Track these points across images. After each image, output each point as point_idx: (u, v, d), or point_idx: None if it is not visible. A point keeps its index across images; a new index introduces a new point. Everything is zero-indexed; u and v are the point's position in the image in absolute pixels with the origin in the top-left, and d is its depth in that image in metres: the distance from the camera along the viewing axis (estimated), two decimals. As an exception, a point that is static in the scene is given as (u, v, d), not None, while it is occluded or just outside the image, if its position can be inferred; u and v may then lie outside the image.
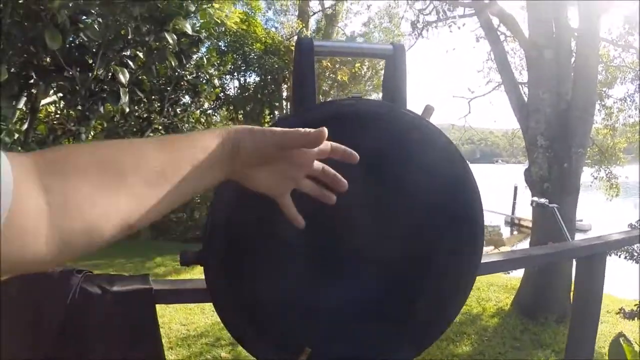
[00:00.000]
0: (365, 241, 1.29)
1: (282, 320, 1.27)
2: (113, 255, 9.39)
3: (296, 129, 0.77)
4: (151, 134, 3.89)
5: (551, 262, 4.78)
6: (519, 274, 7.79)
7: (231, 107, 15.42)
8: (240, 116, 15.65)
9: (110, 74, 2.37)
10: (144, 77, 2.64)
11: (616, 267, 6.04)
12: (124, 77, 2.21)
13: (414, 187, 1.22)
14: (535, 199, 3.59)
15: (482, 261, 1.73)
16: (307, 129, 0.77)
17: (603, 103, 14.04)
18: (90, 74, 2.25)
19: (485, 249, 7.90)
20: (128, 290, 1.43)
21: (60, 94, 2.51)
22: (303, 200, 1.04)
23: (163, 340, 4.56)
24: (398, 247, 1.28)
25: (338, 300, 1.31)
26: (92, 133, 2.82)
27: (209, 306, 6.40)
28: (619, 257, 6.25)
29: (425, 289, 1.30)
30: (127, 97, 2.28)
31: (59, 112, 3.13)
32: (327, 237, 1.28)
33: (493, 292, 7.41)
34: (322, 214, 1.16)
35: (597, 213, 19.26)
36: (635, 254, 6.15)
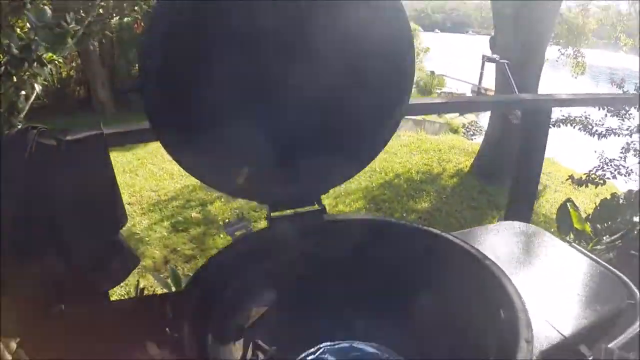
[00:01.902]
0: (304, 73, 1.37)
1: (218, 142, 1.38)
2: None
3: None
4: None
5: (495, 109, 4.90)
6: (480, 139, 8.04)
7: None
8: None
9: None
10: None
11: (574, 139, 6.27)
12: None
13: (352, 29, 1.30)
14: (487, 54, 3.62)
15: (428, 102, 1.86)
16: None
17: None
18: None
19: (451, 115, 8.02)
20: (81, 137, 1.51)
21: None
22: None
23: (135, 208, 4.76)
24: (335, 77, 1.37)
25: (274, 127, 1.42)
26: None
27: (177, 171, 6.54)
28: (574, 128, 6.43)
29: (359, 113, 1.42)
30: None
31: None
32: (262, 65, 1.36)
33: (454, 154, 7.67)
34: (261, 46, 1.24)
35: (562, 90, 19.37)
36: (590, 126, 6.33)
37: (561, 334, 1.24)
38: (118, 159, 7.22)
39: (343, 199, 5.98)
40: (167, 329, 1.08)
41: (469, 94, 12.84)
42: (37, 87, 2.36)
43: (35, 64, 2.14)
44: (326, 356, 1.44)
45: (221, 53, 1.31)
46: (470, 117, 11.25)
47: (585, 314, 1.32)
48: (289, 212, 1.53)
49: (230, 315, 1.31)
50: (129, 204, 5.89)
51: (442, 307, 1.34)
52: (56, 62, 2.28)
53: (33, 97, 2.37)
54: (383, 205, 5.93)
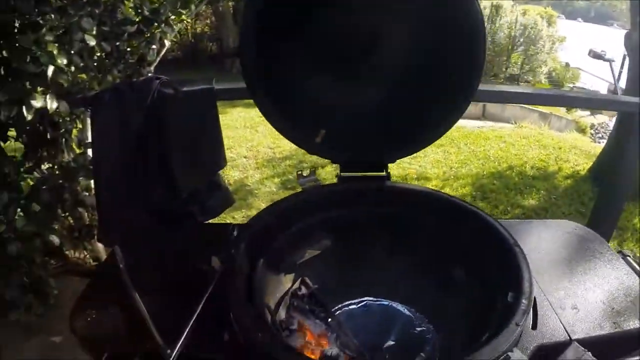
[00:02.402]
0: (382, 51, 1.55)
1: (302, 102, 1.60)
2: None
3: None
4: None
5: (587, 106, 4.57)
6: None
7: None
8: None
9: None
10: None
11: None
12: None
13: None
14: (593, 48, 3.40)
15: (515, 90, 1.91)
16: None
17: None
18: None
19: (580, 113, 7.40)
20: (195, 89, 1.78)
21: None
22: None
23: (251, 161, 5.17)
24: (411, 56, 1.53)
25: (355, 95, 1.63)
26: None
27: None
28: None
29: (431, 94, 1.56)
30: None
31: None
32: (351, 44, 1.55)
33: (574, 154, 7.28)
34: (349, 19, 1.46)
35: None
36: None
37: (568, 335, 1.24)
38: (242, 114, 7.70)
39: (451, 183, 5.96)
40: (230, 249, 1.31)
41: (604, 92, 11.86)
42: (167, 43, 2.72)
43: (163, 24, 2.48)
44: (367, 310, 1.61)
45: (314, 21, 1.50)
46: (601, 117, 10.51)
47: (603, 325, 1.29)
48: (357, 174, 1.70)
49: (287, 250, 1.53)
50: (245, 157, 6.32)
51: (471, 282, 1.45)
52: (185, 21, 2.60)
53: (163, 51, 2.73)
54: (490, 195, 5.82)
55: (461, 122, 7.73)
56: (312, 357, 1.28)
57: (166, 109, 1.75)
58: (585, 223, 2.55)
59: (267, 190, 5.65)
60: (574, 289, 1.42)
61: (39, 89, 1.92)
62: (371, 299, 1.64)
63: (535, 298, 1.27)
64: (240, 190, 5.48)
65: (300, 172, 1.68)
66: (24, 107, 1.87)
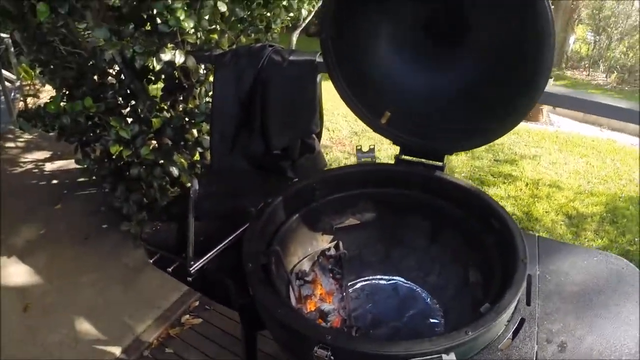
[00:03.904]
0: (461, 41, 1.60)
1: (373, 83, 1.72)
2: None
3: None
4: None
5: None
6: None
7: None
8: None
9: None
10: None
11: None
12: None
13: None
14: None
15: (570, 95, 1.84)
16: None
17: None
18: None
19: None
20: (298, 59, 1.99)
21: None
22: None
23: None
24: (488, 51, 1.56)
25: (425, 83, 1.70)
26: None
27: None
28: None
29: (496, 94, 1.58)
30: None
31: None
32: (430, 29, 1.62)
33: None
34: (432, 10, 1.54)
35: None
36: None
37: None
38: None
39: (583, 197, 5.52)
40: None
41: None
42: (304, 12, 2.97)
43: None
44: (394, 289, 1.71)
45: (388, 10, 1.61)
46: None
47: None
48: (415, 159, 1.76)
49: (326, 213, 1.69)
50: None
51: (480, 288, 1.48)
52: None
53: (308, 18, 3.06)
54: (620, 220, 5.25)
55: (613, 135, 7.05)
56: (310, 306, 1.44)
57: (272, 73, 2.00)
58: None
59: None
60: (575, 326, 1.27)
61: (169, 45, 2.25)
62: (402, 280, 1.73)
63: (523, 320, 1.24)
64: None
65: (359, 147, 1.80)
66: (154, 59, 2.22)
